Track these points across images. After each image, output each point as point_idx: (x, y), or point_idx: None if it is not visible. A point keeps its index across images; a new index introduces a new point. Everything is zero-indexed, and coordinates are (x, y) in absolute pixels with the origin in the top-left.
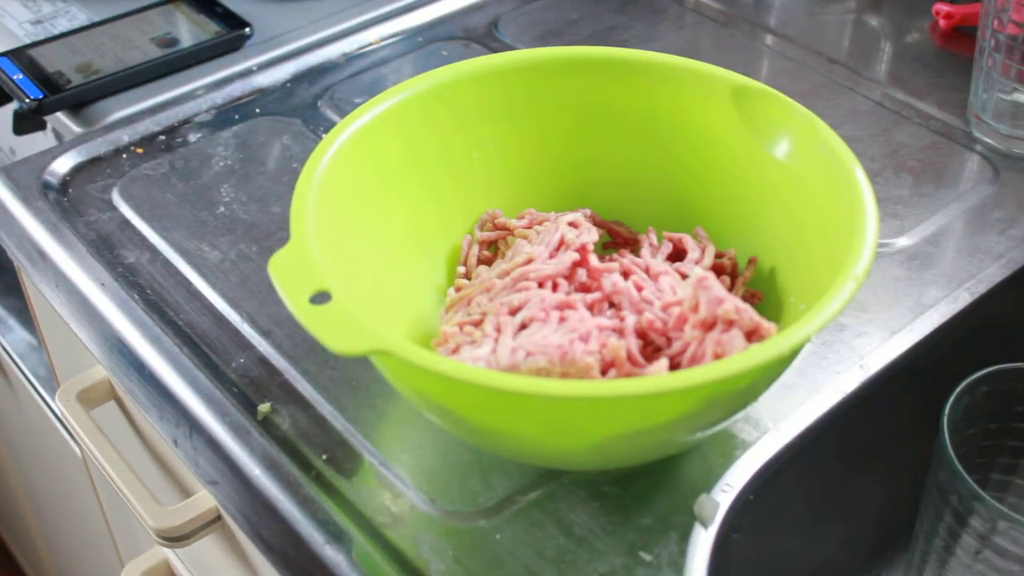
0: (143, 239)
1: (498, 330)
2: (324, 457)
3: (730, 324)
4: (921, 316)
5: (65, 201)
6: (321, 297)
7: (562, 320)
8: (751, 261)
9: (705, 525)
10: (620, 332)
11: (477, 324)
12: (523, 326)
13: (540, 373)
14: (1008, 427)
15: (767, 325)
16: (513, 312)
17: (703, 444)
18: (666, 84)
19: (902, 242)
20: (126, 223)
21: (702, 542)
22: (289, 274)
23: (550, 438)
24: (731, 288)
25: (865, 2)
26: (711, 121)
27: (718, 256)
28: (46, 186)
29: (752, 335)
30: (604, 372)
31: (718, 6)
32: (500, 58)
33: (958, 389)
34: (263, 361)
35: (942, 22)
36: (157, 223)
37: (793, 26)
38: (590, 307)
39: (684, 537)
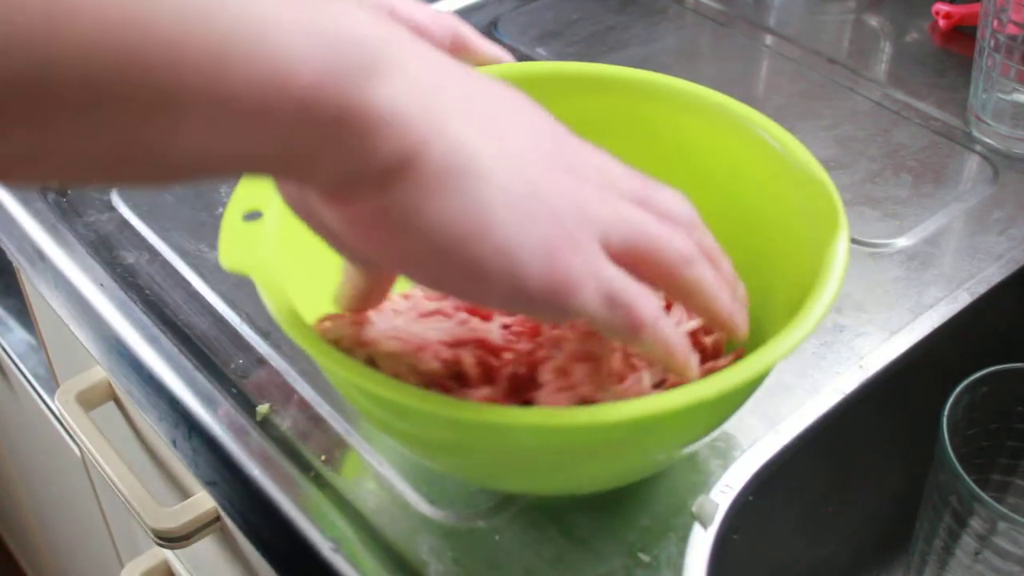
0: (142, 240)
1: (398, 311)
2: (323, 458)
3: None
4: (921, 316)
5: (64, 202)
6: (253, 215)
7: (462, 323)
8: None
9: (704, 526)
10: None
11: (407, 297)
12: (434, 313)
13: (394, 361)
14: (1008, 427)
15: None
16: (431, 299)
17: (700, 446)
18: (653, 101)
19: (902, 242)
20: (125, 224)
21: (701, 543)
22: (243, 192)
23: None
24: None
25: (865, 2)
26: (722, 150)
27: (705, 332)
28: (45, 187)
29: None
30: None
31: (718, 6)
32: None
33: (958, 389)
34: (262, 362)
35: (942, 22)
36: (156, 224)
37: (793, 26)
38: (531, 330)
39: (683, 538)
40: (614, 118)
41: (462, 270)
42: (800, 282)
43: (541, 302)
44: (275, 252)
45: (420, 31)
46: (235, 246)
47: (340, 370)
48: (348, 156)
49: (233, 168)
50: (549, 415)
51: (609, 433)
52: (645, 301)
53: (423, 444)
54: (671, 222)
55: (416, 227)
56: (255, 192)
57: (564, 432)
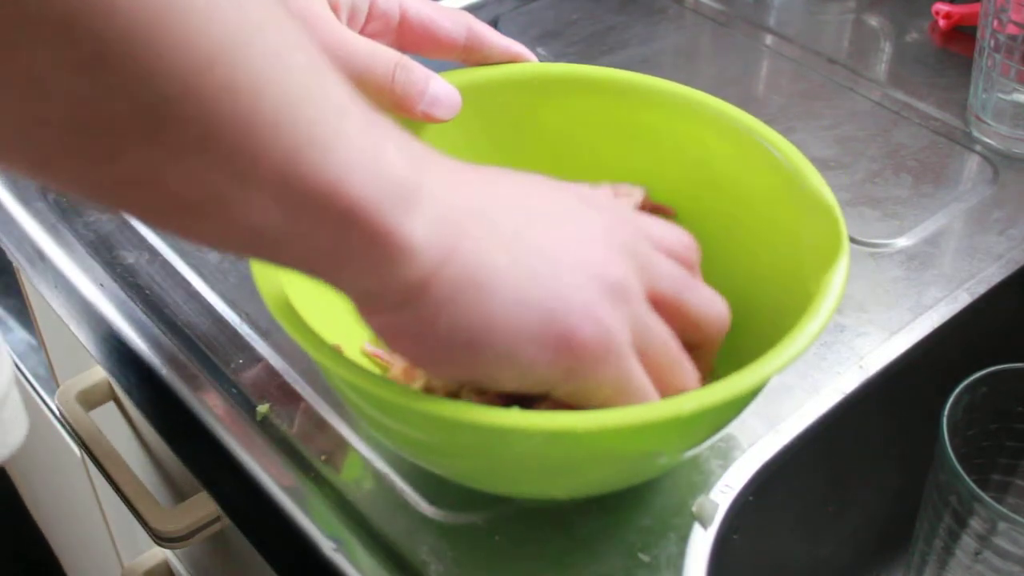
0: (142, 240)
1: None
2: (323, 458)
3: None
4: (921, 316)
5: (64, 202)
6: None
7: None
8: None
9: (704, 526)
10: None
11: None
12: None
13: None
14: (1008, 427)
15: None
16: None
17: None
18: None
19: (902, 242)
20: (125, 224)
21: (701, 543)
22: None
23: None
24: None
25: (865, 2)
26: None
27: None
28: (45, 186)
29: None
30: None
31: (717, 6)
32: (493, 72)
33: (958, 389)
34: (262, 362)
35: (942, 22)
36: None
37: (793, 26)
38: None
39: (683, 538)
40: (614, 122)
41: (473, 369)
42: (797, 301)
43: (556, 382)
44: None
45: (435, 28)
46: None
47: (328, 361)
48: (373, 273)
49: (279, 256)
50: (539, 419)
51: (598, 441)
52: (651, 394)
53: (411, 444)
54: (699, 324)
55: (431, 337)
56: None
57: (555, 437)
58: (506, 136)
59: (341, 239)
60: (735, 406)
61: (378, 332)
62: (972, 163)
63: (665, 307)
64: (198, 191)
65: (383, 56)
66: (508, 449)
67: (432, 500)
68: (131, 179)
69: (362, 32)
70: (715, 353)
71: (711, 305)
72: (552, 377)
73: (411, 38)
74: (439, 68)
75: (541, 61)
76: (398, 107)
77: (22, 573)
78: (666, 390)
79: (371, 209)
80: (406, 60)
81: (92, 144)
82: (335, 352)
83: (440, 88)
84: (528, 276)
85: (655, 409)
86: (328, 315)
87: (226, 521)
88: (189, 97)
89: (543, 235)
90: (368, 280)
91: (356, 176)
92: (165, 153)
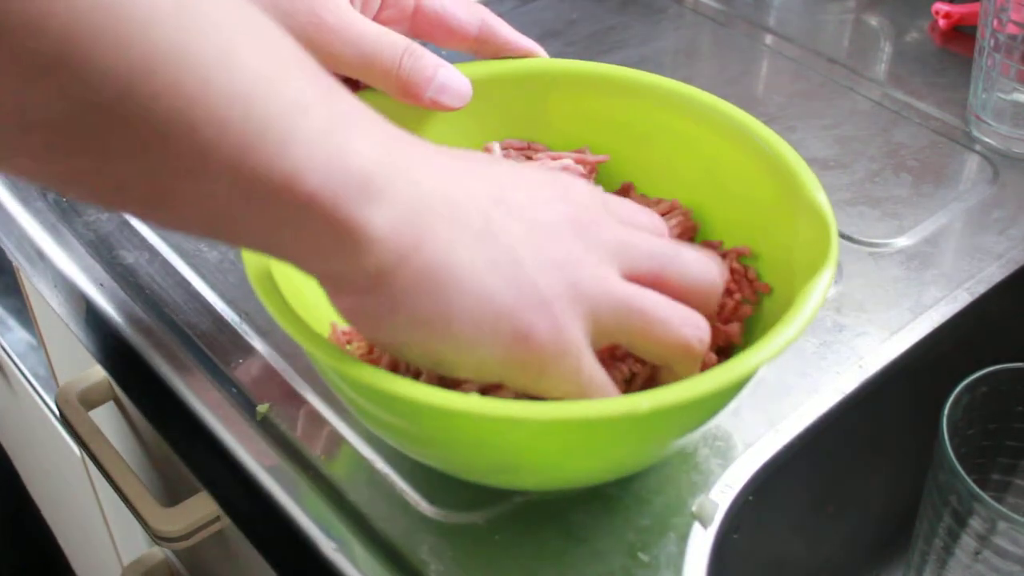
0: (142, 239)
1: None
2: (323, 457)
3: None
4: (921, 316)
5: (64, 201)
6: None
7: None
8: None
9: (704, 526)
10: None
11: None
12: None
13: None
14: (1008, 427)
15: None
16: None
17: (700, 445)
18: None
19: (901, 242)
20: (125, 223)
21: (701, 543)
22: None
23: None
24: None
25: (865, 2)
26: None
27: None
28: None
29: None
30: None
31: (717, 5)
32: (495, 66)
33: (958, 389)
34: (262, 361)
35: (942, 22)
36: None
37: (792, 26)
38: None
39: (683, 538)
40: (617, 118)
41: (430, 357)
42: (788, 303)
43: (512, 376)
44: None
45: (448, 18)
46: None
47: (307, 343)
48: (335, 259)
49: (240, 241)
50: (514, 407)
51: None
52: (609, 389)
53: (385, 428)
54: (688, 295)
55: (390, 323)
56: None
57: (532, 426)
58: (515, 129)
59: (302, 227)
60: (693, 410)
61: (341, 312)
62: (972, 163)
63: (650, 286)
64: (148, 186)
65: (391, 41)
66: (466, 433)
67: (432, 500)
68: (83, 175)
69: (376, 18)
70: (713, 313)
71: (698, 272)
72: (507, 371)
73: (424, 26)
74: (453, 61)
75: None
76: (404, 93)
77: (29, 565)
78: (667, 356)
79: (329, 200)
80: (415, 47)
81: (40, 144)
82: (327, 343)
83: (449, 76)
84: (490, 272)
85: (614, 404)
86: (315, 302)
87: (226, 521)
88: (129, 100)
89: (512, 228)
90: (332, 264)
91: (314, 168)
92: (112, 153)
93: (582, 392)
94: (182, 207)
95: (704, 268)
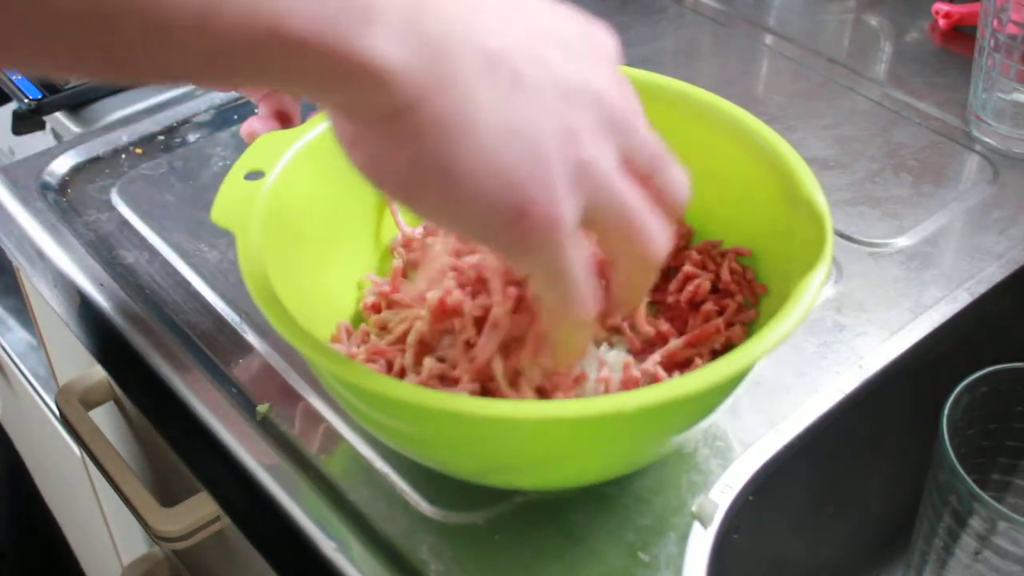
0: (142, 239)
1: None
2: (323, 457)
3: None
4: (921, 316)
5: (64, 201)
6: (254, 175)
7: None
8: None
9: (704, 525)
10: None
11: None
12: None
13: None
14: (1008, 427)
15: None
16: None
17: (700, 445)
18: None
19: (901, 242)
20: (125, 223)
21: (701, 543)
22: (252, 153)
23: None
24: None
25: (865, 2)
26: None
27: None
28: (45, 186)
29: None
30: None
31: (717, 5)
32: None
33: (958, 389)
34: (262, 361)
35: (942, 22)
36: (156, 223)
37: (793, 26)
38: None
39: (683, 538)
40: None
41: (418, 204)
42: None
43: (495, 246)
44: (263, 214)
45: None
46: (229, 202)
47: (298, 342)
48: (341, 90)
49: (235, 83)
50: (509, 407)
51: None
52: (588, 293)
53: (381, 429)
54: (663, 205)
55: (390, 161)
56: (263, 154)
57: (528, 426)
58: None
59: (299, 66)
60: (684, 408)
61: (340, 137)
62: (972, 163)
63: (637, 178)
64: (105, 61)
65: None
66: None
67: (432, 500)
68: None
69: None
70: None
71: (678, 188)
72: (492, 241)
73: None
74: None
75: None
76: None
77: (39, 561)
78: (630, 258)
79: (320, 35)
80: None
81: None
82: (327, 348)
83: None
84: (508, 143)
85: (600, 404)
86: (316, 303)
87: (226, 521)
88: None
89: (540, 92)
90: (339, 95)
91: (296, 9)
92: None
93: (559, 273)
94: (153, 74)
95: (683, 186)
